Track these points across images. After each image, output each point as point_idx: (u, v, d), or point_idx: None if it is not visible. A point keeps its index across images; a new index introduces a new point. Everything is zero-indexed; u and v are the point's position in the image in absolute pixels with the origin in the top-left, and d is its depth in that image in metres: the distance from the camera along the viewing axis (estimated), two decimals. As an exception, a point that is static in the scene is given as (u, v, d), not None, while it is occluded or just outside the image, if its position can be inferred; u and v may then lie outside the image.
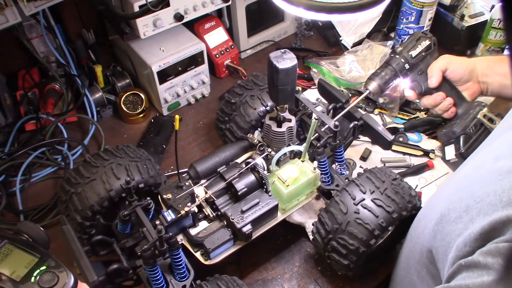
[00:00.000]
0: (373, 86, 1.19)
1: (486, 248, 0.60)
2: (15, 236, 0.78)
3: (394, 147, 1.37)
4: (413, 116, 1.48)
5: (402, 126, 1.43)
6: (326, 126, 1.13)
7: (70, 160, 1.35)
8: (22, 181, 1.32)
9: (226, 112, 1.24)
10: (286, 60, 0.97)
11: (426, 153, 1.38)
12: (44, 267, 0.73)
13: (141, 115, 1.50)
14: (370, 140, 1.40)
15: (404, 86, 1.26)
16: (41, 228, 0.80)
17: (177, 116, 0.91)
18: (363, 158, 1.37)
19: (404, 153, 1.39)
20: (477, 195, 0.68)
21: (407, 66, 1.19)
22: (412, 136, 1.43)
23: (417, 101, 1.30)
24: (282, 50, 0.99)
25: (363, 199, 0.97)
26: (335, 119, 1.13)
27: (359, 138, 1.38)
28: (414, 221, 0.95)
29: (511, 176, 0.66)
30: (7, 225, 1.23)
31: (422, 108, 1.48)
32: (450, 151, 1.26)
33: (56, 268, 0.73)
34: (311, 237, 1.17)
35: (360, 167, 1.35)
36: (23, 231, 0.79)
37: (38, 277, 0.71)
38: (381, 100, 1.48)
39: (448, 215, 0.73)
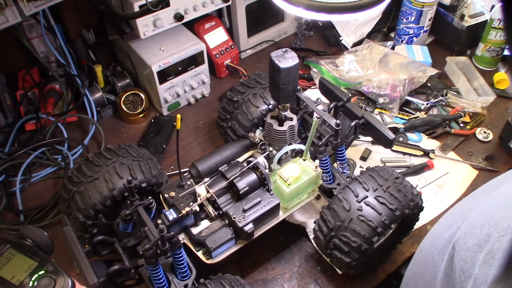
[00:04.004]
0: None
1: None
2: (19, 241, 0.79)
3: (394, 147, 1.37)
4: (413, 116, 1.48)
5: (402, 126, 1.43)
6: (327, 124, 1.13)
7: (70, 160, 1.34)
8: (22, 181, 1.32)
9: (228, 110, 1.24)
10: (287, 59, 0.97)
11: (426, 153, 1.38)
12: (42, 272, 0.74)
13: (141, 115, 1.50)
14: (370, 140, 1.40)
15: None
16: (45, 233, 0.82)
17: (178, 116, 0.90)
18: (363, 158, 1.37)
19: (404, 153, 1.39)
20: (502, 228, 0.64)
21: None
22: (412, 136, 1.43)
23: None
24: (284, 49, 0.99)
25: (366, 197, 0.98)
26: (342, 119, 1.13)
27: (359, 138, 1.38)
28: (427, 240, 0.87)
29: None
30: (8, 225, 1.23)
31: (422, 108, 1.48)
32: None
33: (54, 273, 0.74)
34: (311, 237, 1.17)
35: (360, 167, 1.35)
36: (26, 236, 0.80)
37: (36, 282, 0.73)
38: (381, 100, 1.48)
39: (464, 239, 0.69)
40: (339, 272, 1.12)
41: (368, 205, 0.96)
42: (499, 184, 0.81)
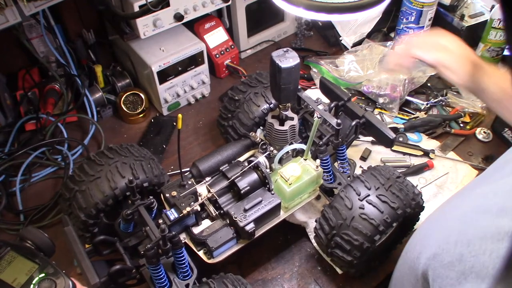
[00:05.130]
0: None
1: None
2: (19, 243, 0.80)
3: (394, 147, 1.37)
4: (413, 116, 1.48)
5: (402, 126, 1.44)
6: (328, 124, 1.13)
7: (70, 160, 1.34)
8: (22, 181, 1.31)
9: (229, 109, 1.24)
10: (288, 59, 0.97)
11: (426, 153, 1.38)
12: (43, 274, 0.75)
13: (141, 115, 1.50)
14: (370, 140, 1.40)
15: None
16: (45, 235, 0.82)
17: (180, 115, 0.90)
18: (363, 158, 1.38)
19: (404, 153, 1.39)
20: (473, 248, 0.64)
21: None
22: (412, 136, 1.44)
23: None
24: (285, 49, 0.99)
25: (368, 195, 0.98)
26: (343, 118, 1.13)
27: (359, 138, 1.38)
28: (411, 242, 0.88)
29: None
30: (8, 225, 1.23)
31: (422, 108, 1.48)
32: None
33: (54, 275, 0.75)
34: (311, 236, 1.17)
35: (360, 167, 1.35)
36: (27, 238, 0.80)
37: (37, 285, 0.74)
38: (381, 100, 1.49)
39: (441, 255, 0.70)
40: (339, 272, 1.12)
41: (370, 203, 0.97)
42: (473, 188, 0.82)
